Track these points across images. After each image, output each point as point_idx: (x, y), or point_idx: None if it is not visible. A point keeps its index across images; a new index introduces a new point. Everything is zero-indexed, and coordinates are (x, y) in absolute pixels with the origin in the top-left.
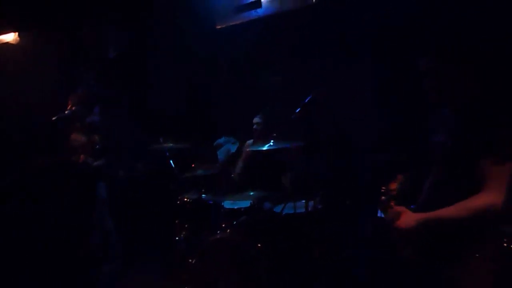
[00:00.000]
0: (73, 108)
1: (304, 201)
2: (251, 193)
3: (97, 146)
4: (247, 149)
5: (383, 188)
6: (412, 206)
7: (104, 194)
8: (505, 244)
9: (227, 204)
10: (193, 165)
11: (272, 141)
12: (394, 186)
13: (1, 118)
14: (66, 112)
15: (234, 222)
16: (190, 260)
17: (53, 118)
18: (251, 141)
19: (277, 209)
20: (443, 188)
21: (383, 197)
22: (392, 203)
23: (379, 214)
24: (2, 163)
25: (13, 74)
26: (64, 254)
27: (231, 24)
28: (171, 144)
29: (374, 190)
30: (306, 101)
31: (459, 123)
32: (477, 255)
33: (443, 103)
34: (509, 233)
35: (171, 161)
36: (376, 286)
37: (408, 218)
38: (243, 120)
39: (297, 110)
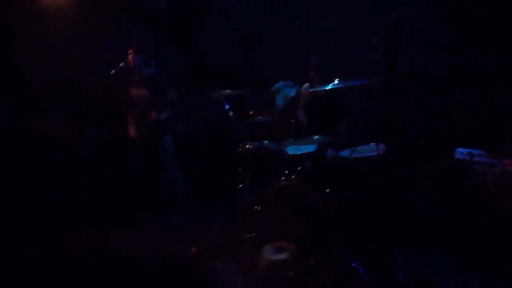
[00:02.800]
0: (130, 60)
1: (374, 144)
2: (316, 137)
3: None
4: (306, 91)
5: None
6: None
7: (171, 146)
8: None
9: (291, 149)
10: (251, 112)
11: (336, 80)
12: None
13: (58, 77)
14: (121, 65)
15: (299, 168)
16: (255, 208)
17: (111, 72)
18: (307, 84)
19: (344, 153)
20: None
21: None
22: None
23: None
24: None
25: (64, 31)
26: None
27: None
28: (229, 92)
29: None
30: (390, 22)
31: None
32: None
33: None
34: None
35: (229, 109)
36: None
37: None
38: (300, 63)
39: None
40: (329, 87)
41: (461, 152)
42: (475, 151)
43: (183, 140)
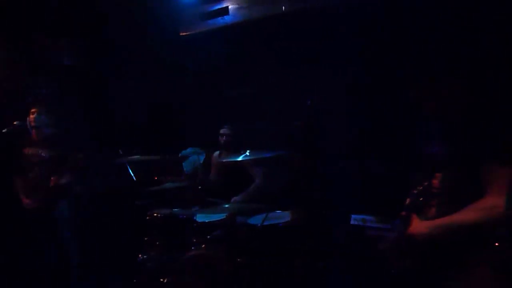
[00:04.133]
0: (30, 117)
1: (279, 212)
2: (226, 205)
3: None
4: (218, 161)
5: (420, 187)
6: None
7: (67, 213)
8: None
9: (200, 217)
10: (156, 178)
11: (247, 151)
12: (436, 184)
13: None
14: (15, 123)
15: (208, 237)
16: (161, 280)
17: (3, 130)
18: (217, 152)
19: (253, 220)
20: (449, 196)
21: (414, 197)
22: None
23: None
24: None
25: None
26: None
27: (196, 31)
28: (134, 157)
29: (347, 198)
30: (307, 107)
31: (454, 133)
32: (477, 261)
33: (435, 116)
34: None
35: (132, 175)
36: None
37: (419, 225)
38: (209, 131)
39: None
40: (240, 158)
41: (355, 218)
42: (368, 217)
43: (80, 206)
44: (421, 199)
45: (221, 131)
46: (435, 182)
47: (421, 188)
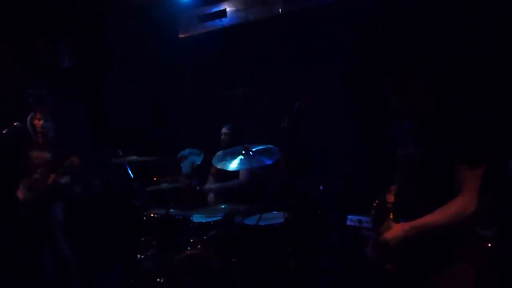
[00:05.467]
0: (37, 123)
1: (275, 212)
2: (222, 206)
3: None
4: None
5: (376, 201)
6: (400, 221)
7: (61, 214)
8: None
9: (197, 218)
10: (155, 178)
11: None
12: (390, 198)
13: None
14: (15, 124)
15: (204, 237)
16: (158, 280)
17: (3, 132)
18: (220, 152)
19: (249, 221)
20: (423, 197)
21: (374, 211)
22: (389, 216)
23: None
24: None
25: None
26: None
27: (194, 33)
28: (132, 157)
29: (343, 200)
30: (294, 110)
31: (426, 135)
32: (458, 260)
33: (406, 117)
34: (487, 236)
35: (131, 175)
36: None
37: (395, 228)
38: (207, 132)
39: (286, 120)
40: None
41: (351, 219)
42: (363, 218)
43: (78, 206)
44: (378, 215)
45: (222, 130)
46: (389, 196)
47: (377, 202)
